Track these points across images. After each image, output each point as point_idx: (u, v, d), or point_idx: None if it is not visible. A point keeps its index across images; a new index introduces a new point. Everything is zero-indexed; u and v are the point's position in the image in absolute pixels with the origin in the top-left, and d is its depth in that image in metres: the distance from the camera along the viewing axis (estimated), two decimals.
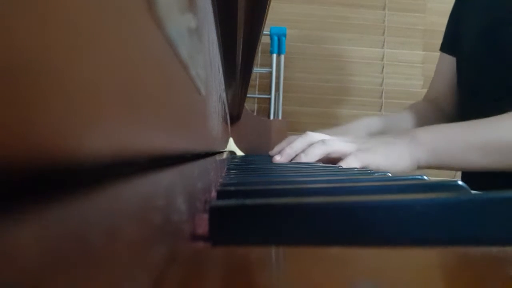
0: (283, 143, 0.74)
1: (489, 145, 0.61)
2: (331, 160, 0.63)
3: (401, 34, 1.75)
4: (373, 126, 0.89)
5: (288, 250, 0.15)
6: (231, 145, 1.22)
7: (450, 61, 0.90)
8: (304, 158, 0.61)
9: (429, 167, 0.66)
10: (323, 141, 0.62)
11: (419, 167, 0.65)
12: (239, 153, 1.26)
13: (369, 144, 0.64)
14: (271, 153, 0.74)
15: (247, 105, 1.39)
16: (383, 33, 1.76)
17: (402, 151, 0.63)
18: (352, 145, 0.63)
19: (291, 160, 0.65)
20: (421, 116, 0.89)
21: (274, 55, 1.65)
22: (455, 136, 0.63)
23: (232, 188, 0.25)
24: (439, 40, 1.80)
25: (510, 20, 0.73)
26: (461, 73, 0.86)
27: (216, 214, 0.18)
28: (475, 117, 0.65)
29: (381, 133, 0.83)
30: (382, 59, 1.75)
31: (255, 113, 1.67)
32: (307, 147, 0.63)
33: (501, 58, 0.74)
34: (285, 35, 1.63)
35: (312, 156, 0.61)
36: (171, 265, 0.12)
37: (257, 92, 1.72)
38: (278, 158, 0.65)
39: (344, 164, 0.59)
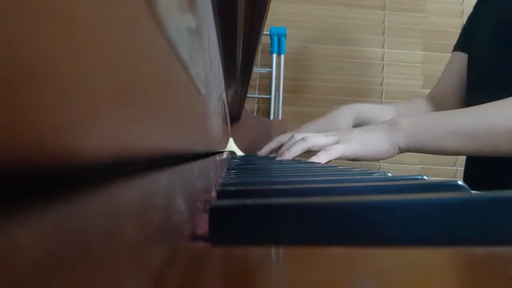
0: (271, 144, 0.83)
1: (463, 131, 0.64)
2: (310, 155, 0.70)
3: (401, 34, 1.75)
4: (360, 113, 0.90)
5: (288, 250, 0.15)
6: (231, 145, 1.22)
7: (462, 60, 0.90)
8: (287, 155, 0.70)
9: (409, 151, 0.70)
10: (303, 139, 0.70)
11: (401, 152, 0.70)
12: (239, 153, 1.25)
13: (349, 134, 0.69)
14: (259, 153, 0.80)
15: (247, 105, 1.39)
16: (383, 33, 1.76)
17: (382, 136, 0.68)
18: (330, 138, 0.69)
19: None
20: (417, 111, 0.91)
21: (274, 55, 1.65)
22: (433, 122, 0.68)
23: (232, 188, 0.25)
24: (439, 40, 1.79)
25: None
26: (471, 72, 0.86)
27: (216, 214, 0.18)
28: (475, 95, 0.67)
29: (370, 120, 0.86)
30: (382, 59, 1.75)
31: (255, 113, 1.67)
32: (291, 146, 0.71)
33: (510, 57, 0.75)
34: (285, 35, 1.63)
35: (293, 152, 0.69)
36: (171, 265, 0.12)
37: (257, 92, 1.72)
38: (263, 152, 0.75)
39: (315, 159, 0.66)
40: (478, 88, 0.83)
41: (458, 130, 0.64)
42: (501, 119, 0.62)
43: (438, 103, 0.93)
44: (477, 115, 0.64)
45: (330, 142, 0.68)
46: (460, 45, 0.93)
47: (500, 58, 0.77)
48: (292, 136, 0.74)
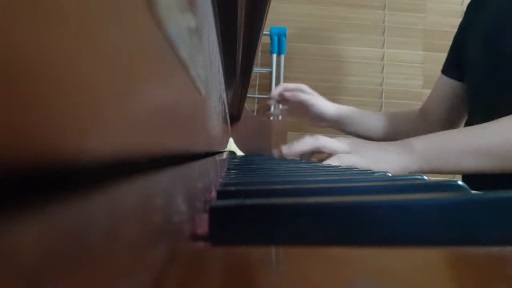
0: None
1: (481, 150, 0.63)
2: (322, 158, 0.69)
3: (401, 34, 1.76)
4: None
5: (288, 250, 0.15)
6: (231, 145, 1.22)
7: (449, 84, 0.92)
8: (296, 147, 0.69)
9: (422, 172, 0.69)
10: (316, 137, 0.69)
11: (410, 173, 0.69)
12: (239, 153, 1.26)
13: (362, 148, 0.68)
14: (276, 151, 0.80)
15: (247, 105, 1.39)
16: (383, 33, 1.76)
17: (393, 159, 0.67)
18: (342, 146, 0.68)
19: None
20: (401, 124, 0.98)
21: (274, 55, 1.66)
22: (447, 144, 0.66)
23: (232, 188, 0.25)
24: (439, 40, 1.79)
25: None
26: (468, 80, 0.87)
27: (216, 214, 0.18)
28: (482, 121, 0.66)
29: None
30: (382, 59, 1.75)
31: (255, 113, 1.67)
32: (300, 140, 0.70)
33: (504, 62, 0.75)
34: (285, 35, 1.63)
35: (302, 146, 0.68)
36: (171, 265, 0.12)
37: (257, 92, 1.72)
38: (276, 152, 0.74)
39: (326, 163, 0.65)
40: (478, 96, 0.83)
41: (477, 149, 0.63)
42: None
43: (427, 116, 0.97)
44: (496, 131, 0.63)
45: (341, 150, 0.67)
46: (448, 71, 0.94)
47: (495, 62, 0.77)
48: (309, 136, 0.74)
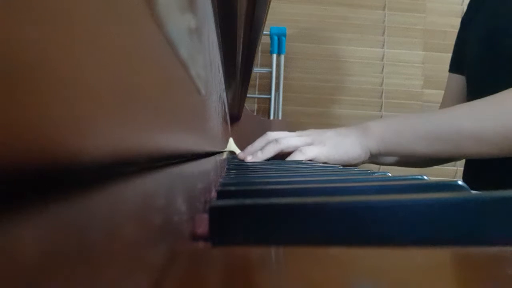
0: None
1: (432, 134, 0.65)
2: (284, 154, 0.70)
3: (401, 34, 1.76)
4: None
5: (288, 250, 0.15)
6: (231, 145, 1.22)
7: (458, 81, 0.92)
8: (260, 155, 0.70)
9: (380, 155, 0.72)
10: (276, 140, 0.70)
11: (372, 155, 0.71)
12: None
13: (322, 137, 0.70)
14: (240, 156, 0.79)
15: (247, 105, 1.39)
16: (383, 33, 1.76)
17: (353, 141, 0.70)
18: (304, 139, 0.70)
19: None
20: None
21: (274, 55, 1.65)
22: (404, 126, 0.69)
23: (232, 188, 0.25)
24: (439, 40, 1.78)
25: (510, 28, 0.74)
26: (467, 78, 0.87)
27: (216, 214, 0.18)
28: None
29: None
30: (382, 59, 1.75)
31: (255, 113, 1.67)
32: (264, 146, 0.71)
33: (503, 61, 0.75)
34: (285, 35, 1.63)
35: (267, 153, 0.70)
36: (171, 265, 0.12)
37: (257, 92, 1.72)
38: (241, 156, 0.74)
39: (290, 159, 0.67)
40: (477, 95, 0.83)
41: (429, 134, 0.65)
42: (472, 122, 0.62)
43: None
44: (448, 118, 0.64)
45: (303, 143, 0.69)
46: (454, 67, 0.94)
47: (493, 63, 0.77)
48: (265, 135, 0.74)
